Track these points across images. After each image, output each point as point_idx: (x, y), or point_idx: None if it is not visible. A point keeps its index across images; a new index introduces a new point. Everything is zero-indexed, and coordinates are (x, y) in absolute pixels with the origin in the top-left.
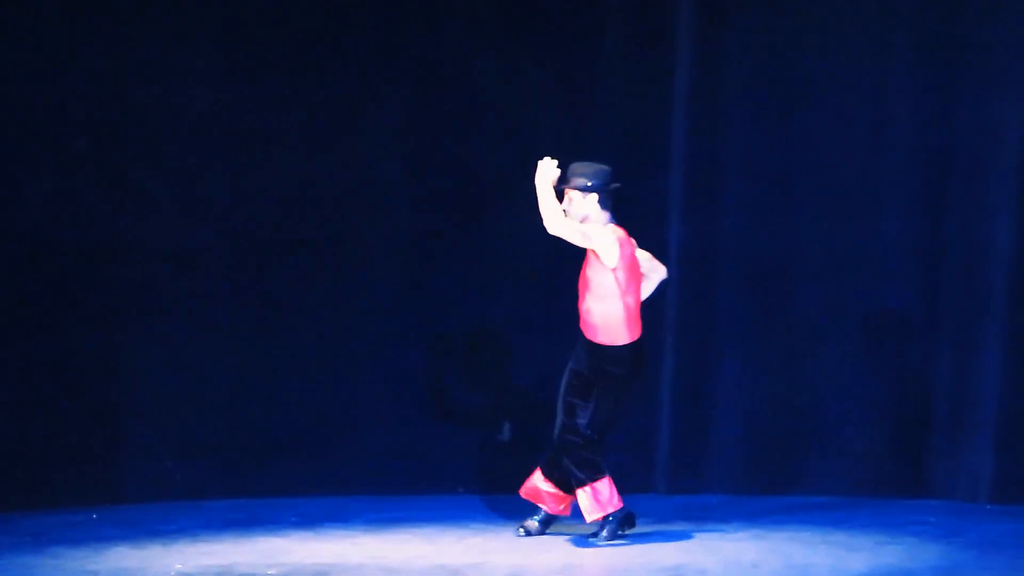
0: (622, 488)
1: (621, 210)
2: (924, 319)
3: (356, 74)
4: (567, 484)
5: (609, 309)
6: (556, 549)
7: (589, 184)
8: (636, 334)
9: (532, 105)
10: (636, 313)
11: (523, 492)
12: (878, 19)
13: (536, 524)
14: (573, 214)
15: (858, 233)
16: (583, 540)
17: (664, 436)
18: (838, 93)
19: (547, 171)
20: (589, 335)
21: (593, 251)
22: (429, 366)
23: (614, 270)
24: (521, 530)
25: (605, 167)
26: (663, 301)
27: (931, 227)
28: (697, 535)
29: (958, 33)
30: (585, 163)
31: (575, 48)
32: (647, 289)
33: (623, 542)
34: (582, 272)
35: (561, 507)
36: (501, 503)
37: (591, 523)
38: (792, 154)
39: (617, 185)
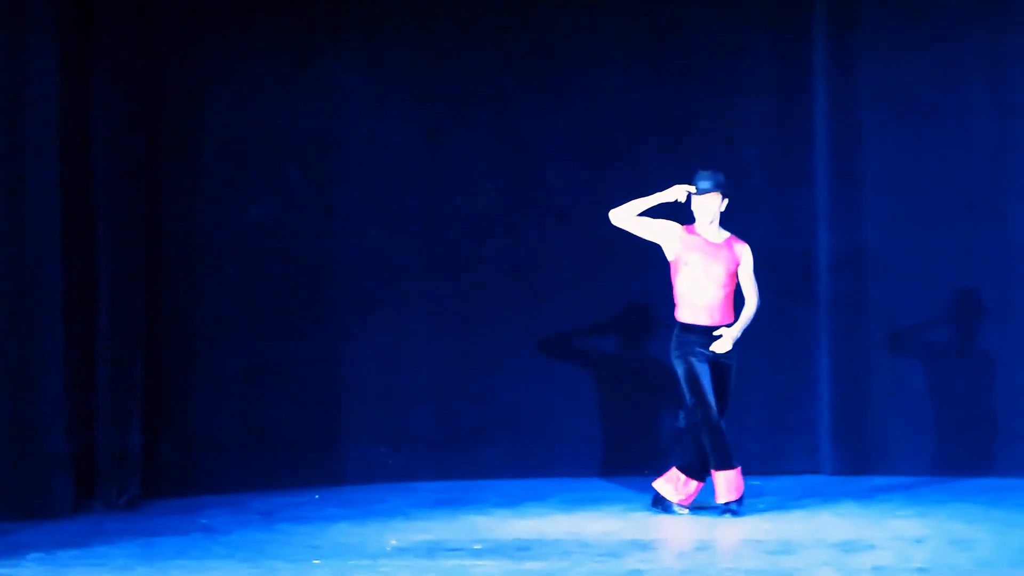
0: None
1: (774, 223)
2: None
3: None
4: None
5: None
6: (737, 525)
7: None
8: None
9: (688, 130)
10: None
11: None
12: (991, 57)
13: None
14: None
15: (987, 238)
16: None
17: (825, 422)
18: (960, 115)
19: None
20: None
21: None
22: (614, 359)
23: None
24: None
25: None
26: (818, 303)
27: None
28: (862, 513)
29: None
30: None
31: (727, 81)
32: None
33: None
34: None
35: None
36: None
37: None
38: (922, 170)
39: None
